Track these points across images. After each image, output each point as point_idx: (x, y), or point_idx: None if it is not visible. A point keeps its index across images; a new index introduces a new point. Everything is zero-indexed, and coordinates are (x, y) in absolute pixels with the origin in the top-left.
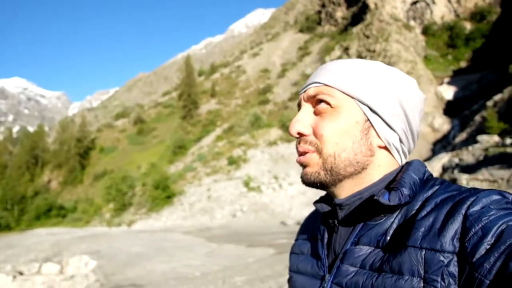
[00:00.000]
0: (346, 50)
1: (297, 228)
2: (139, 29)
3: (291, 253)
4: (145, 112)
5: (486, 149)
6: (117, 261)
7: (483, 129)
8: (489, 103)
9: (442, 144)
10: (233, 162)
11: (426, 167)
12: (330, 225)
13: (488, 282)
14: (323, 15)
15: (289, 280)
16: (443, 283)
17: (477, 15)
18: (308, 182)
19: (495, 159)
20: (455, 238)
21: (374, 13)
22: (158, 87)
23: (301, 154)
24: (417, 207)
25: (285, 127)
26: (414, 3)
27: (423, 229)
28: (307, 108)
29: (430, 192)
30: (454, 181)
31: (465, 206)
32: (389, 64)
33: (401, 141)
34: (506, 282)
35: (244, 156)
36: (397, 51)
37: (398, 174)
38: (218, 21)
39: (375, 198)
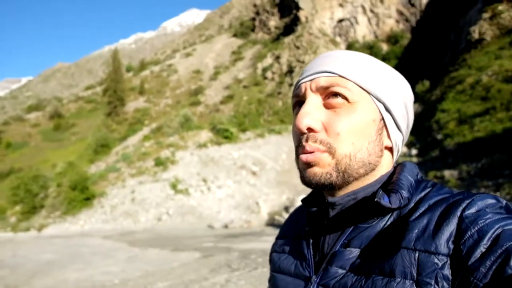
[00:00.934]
0: (277, 58)
1: (224, 231)
2: (61, 14)
3: (272, 251)
4: (63, 106)
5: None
6: (23, 271)
7: None
8: None
9: None
10: (161, 163)
11: (418, 169)
12: (317, 225)
13: (482, 286)
14: (257, 23)
15: (270, 280)
16: (436, 287)
17: (392, 38)
18: (316, 183)
19: None
20: (450, 240)
21: (305, 26)
22: (80, 80)
23: (306, 152)
24: (409, 209)
25: (215, 129)
26: (340, 21)
27: (416, 230)
28: (315, 99)
29: (422, 194)
30: None
31: (461, 208)
32: None
33: (402, 142)
34: (501, 286)
35: (172, 158)
36: None
37: (393, 176)
38: (151, 16)
39: (376, 200)
